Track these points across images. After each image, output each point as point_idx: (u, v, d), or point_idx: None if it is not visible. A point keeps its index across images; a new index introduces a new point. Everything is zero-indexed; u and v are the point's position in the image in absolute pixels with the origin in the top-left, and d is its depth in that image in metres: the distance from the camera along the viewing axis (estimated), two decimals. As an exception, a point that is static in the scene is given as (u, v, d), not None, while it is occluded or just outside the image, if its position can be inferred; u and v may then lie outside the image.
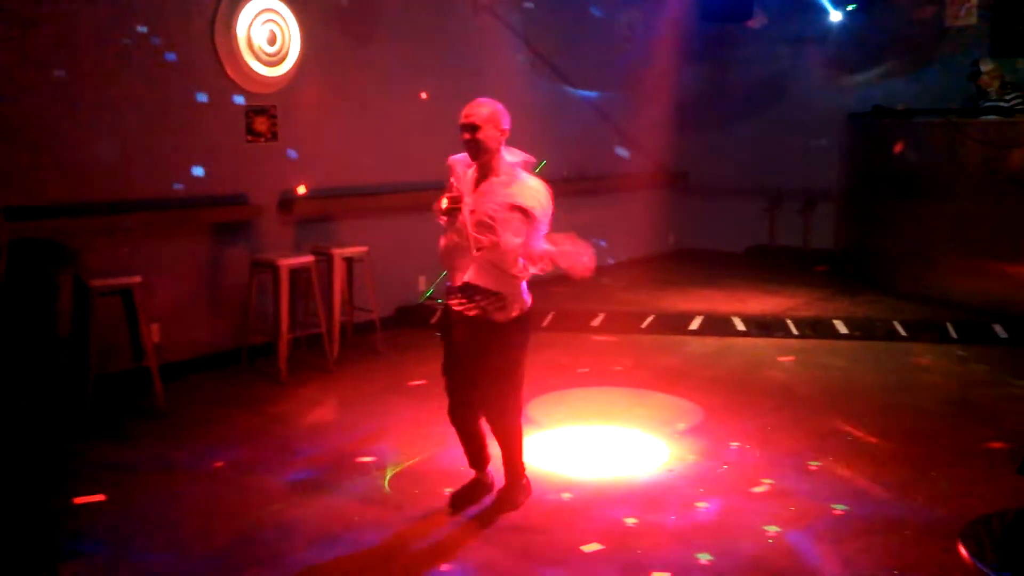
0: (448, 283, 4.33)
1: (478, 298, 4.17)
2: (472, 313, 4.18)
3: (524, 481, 4.54)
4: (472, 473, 4.58)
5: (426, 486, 4.71)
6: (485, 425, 4.44)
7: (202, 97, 6.71)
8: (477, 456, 4.54)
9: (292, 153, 7.38)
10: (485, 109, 4.10)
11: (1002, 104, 8.45)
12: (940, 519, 4.30)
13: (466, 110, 4.11)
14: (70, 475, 4.86)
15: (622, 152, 10.53)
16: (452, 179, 4.28)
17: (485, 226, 4.09)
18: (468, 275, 4.18)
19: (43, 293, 5.84)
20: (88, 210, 6.13)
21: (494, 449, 4.50)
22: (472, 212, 4.12)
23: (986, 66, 8.64)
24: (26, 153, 5.82)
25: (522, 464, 4.52)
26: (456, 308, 4.24)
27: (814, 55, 10.64)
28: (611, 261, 10.24)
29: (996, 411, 5.92)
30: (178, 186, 6.63)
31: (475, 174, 4.18)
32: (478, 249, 4.11)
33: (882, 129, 9.19)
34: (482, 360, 4.23)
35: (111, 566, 3.96)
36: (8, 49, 5.74)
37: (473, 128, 4.07)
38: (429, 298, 8.44)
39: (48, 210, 5.91)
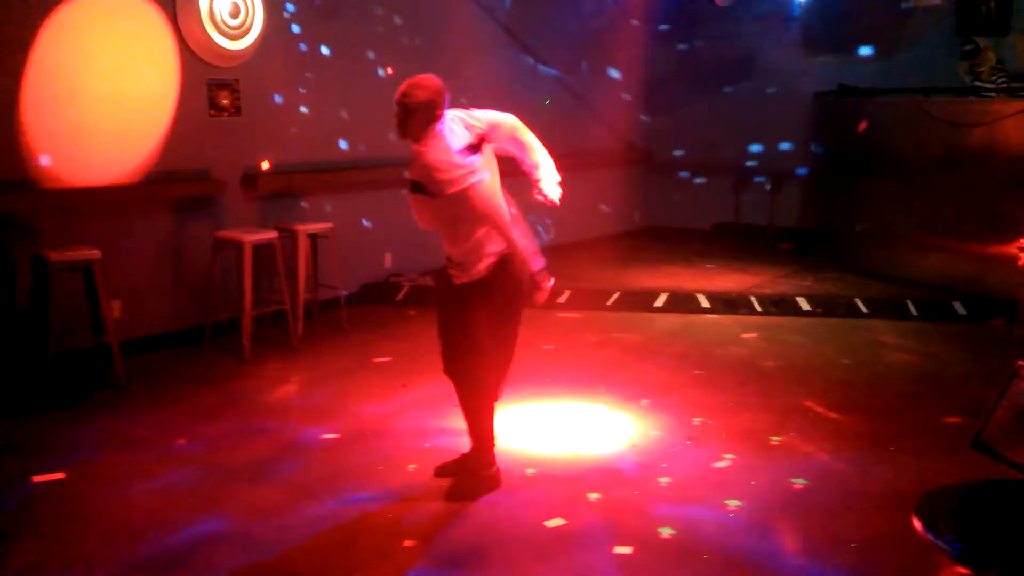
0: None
1: None
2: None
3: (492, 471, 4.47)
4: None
5: (391, 463, 4.71)
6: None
7: (165, 70, 6.61)
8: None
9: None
10: None
11: (988, 85, 8.39)
12: (899, 493, 4.35)
13: None
14: (29, 452, 4.81)
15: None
16: None
17: None
18: None
19: None
20: (47, 185, 6.02)
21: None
22: None
23: (983, 43, 8.54)
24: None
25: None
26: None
27: (781, 34, 10.66)
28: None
29: (954, 387, 6.00)
30: (139, 161, 6.53)
31: None
32: None
33: (847, 108, 9.24)
34: None
35: (52, 552, 3.84)
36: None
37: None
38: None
39: (4, 185, 5.80)
